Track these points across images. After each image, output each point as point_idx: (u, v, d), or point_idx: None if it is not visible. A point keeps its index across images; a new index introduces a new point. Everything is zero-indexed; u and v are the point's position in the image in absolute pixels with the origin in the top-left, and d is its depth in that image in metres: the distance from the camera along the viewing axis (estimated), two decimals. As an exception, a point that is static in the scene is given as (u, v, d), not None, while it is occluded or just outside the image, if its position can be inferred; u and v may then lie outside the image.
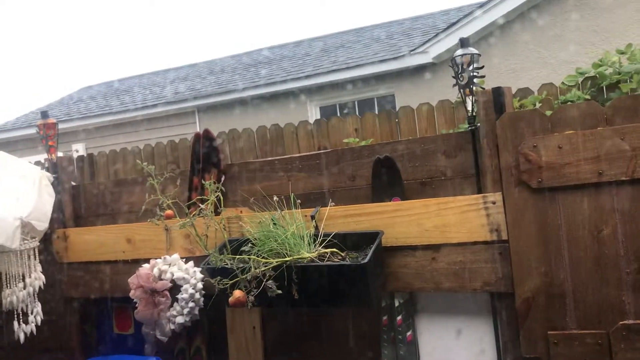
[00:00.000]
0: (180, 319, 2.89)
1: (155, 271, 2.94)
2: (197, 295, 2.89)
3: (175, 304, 2.92)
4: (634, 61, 2.80)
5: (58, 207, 3.44)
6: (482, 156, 2.58)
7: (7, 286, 2.95)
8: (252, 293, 2.44)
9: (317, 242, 2.55)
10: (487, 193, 2.52)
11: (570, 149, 2.32)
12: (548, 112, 2.48)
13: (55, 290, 3.49)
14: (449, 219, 2.56)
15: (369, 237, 2.58)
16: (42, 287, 3.13)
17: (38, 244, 3.16)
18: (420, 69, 8.30)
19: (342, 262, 2.46)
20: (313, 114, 9.09)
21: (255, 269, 2.44)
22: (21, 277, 3.00)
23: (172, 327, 2.92)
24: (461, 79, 2.66)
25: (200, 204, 2.87)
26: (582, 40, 7.38)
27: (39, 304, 3.10)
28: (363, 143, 3.40)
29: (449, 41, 7.93)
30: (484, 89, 2.64)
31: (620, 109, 2.34)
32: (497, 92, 2.53)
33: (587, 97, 2.87)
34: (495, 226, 2.49)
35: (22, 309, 3.00)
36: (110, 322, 3.59)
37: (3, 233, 2.73)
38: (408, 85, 8.39)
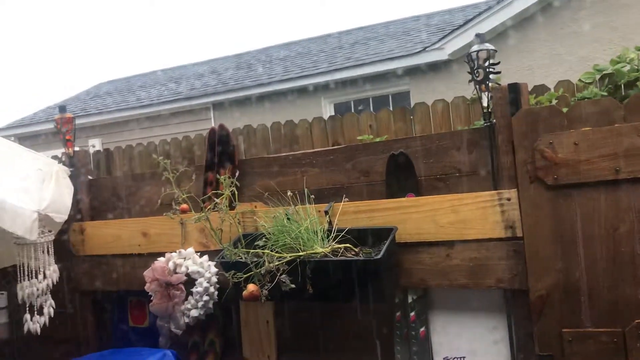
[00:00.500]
0: (194, 313, 2.92)
1: (171, 265, 2.96)
2: (212, 289, 2.92)
3: (189, 297, 2.94)
4: (652, 58, 2.77)
5: (75, 200, 3.47)
6: (497, 153, 2.56)
7: (24, 279, 2.99)
8: (266, 287, 2.45)
9: (330, 237, 2.56)
10: (502, 190, 2.51)
11: (587, 146, 2.30)
12: (565, 109, 2.46)
13: (71, 283, 3.53)
14: (464, 216, 2.55)
15: (383, 233, 2.58)
16: (57, 280, 3.17)
17: (54, 237, 3.20)
18: (435, 66, 8.26)
19: (356, 257, 2.46)
20: (327, 110, 9.09)
21: (269, 263, 2.45)
22: (38, 270, 3.04)
23: (187, 320, 2.95)
24: (477, 74, 2.65)
25: (215, 199, 2.88)
26: (600, 37, 7.30)
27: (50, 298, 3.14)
28: (377, 139, 3.40)
29: (465, 38, 7.89)
30: (499, 85, 2.62)
31: (638, 106, 2.32)
32: (513, 89, 2.51)
33: (605, 94, 2.85)
34: (510, 223, 2.47)
35: (36, 302, 3.04)
36: (125, 315, 3.62)
37: (22, 225, 2.76)
38: (423, 82, 8.36)
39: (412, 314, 2.75)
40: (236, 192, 2.92)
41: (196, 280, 2.93)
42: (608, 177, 2.28)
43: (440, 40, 8.30)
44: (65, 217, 3.23)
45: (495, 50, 2.66)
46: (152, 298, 3.01)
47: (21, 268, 2.98)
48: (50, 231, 3.14)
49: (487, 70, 2.62)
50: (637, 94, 2.51)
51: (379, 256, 2.38)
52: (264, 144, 3.85)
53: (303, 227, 2.54)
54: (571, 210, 2.35)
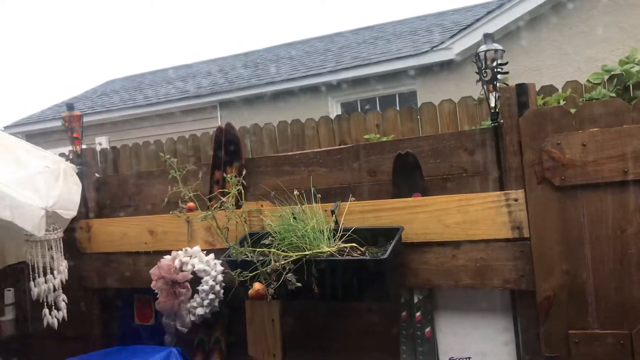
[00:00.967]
0: (200, 311, 2.92)
1: (177, 263, 2.97)
2: (217, 287, 2.92)
3: (195, 295, 2.95)
4: (661, 59, 2.75)
5: (82, 198, 3.48)
6: (504, 153, 2.55)
7: (38, 275, 3.01)
8: (272, 286, 2.45)
9: (336, 236, 2.56)
10: (510, 190, 2.50)
11: (595, 147, 2.29)
12: (573, 110, 2.45)
13: (77, 280, 3.55)
14: (471, 216, 2.54)
15: (389, 233, 2.58)
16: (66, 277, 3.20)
17: (62, 234, 3.22)
18: (442, 66, 8.24)
19: (362, 257, 2.46)
20: (334, 109, 9.09)
21: (275, 262, 2.45)
22: (51, 267, 3.06)
23: (192, 318, 2.96)
24: (485, 74, 2.64)
25: (221, 197, 2.89)
26: (609, 37, 7.26)
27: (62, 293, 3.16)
28: (384, 139, 3.40)
29: (473, 37, 7.87)
30: (507, 85, 2.62)
31: (647, 107, 2.30)
32: (521, 89, 2.50)
33: (613, 94, 2.83)
34: (517, 224, 2.47)
35: (50, 298, 3.06)
36: (131, 313, 3.63)
37: (30, 221, 2.78)
38: (430, 82, 8.34)
39: (418, 313, 2.74)
40: (243, 191, 2.92)
41: (202, 278, 2.93)
42: (616, 178, 2.26)
43: (447, 39, 8.28)
44: (74, 213, 3.25)
45: (504, 51, 2.65)
46: (158, 296, 3.02)
47: (34, 265, 3.00)
48: (57, 229, 3.16)
49: (495, 70, 2.61)
50: (646, 94, 2.50)
51: (385, 256, 2.38)
52: (270, 142, 3.86)
53: (309, 226, 2.55)
54: (578, 211, 2.34)
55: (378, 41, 10.46)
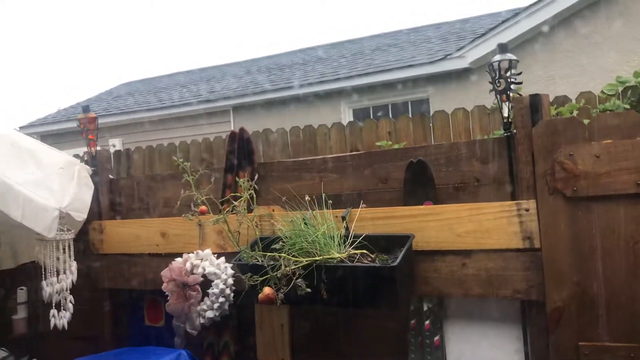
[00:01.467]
0: (210, 314, 2.94)
1: (188, 265, 2.99)
2: (228, 291, 2.94)
3: (205, 298, 2.97)
4: (676, 71, 2.74)
5: (95, 199, 3.52)
6: (516, 163, 2.55)
7: (50, 275, 3.04)
8: (282, 291, 2.47)
9: (347, 243, 2.57)
10: (521, 200, 2.50)
11: (608, 159, 2.29)
12: (586, 121, 2.45)
13: (89, 281, 3.58)
14: (482, 225, 2.54)
15: (400, 240, 2.58)
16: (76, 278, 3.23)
17: (74, 236, 3.25)
18: (456, 74, 8.24)
19: (372, 264, 2.47)
20: (346, 116, 9.11)
21: (286, 267, 2.46)
22: (61, 268, 3.09)
23: (202, 321, 2.97)
24: (498, 84, 2.64)
25: (233, 201, 2.91)
26: (623, 48, 7.22)
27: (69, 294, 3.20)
28: (396, 146, 3.41)
29: (486, 46, 7.86)
30: (521, 95, 2.62)
31: (661, 120, 2.30)
32: (535, 99, 2.50)
33: (627, 106, 2.83)
34: (528, 234, 2.46)
35: (58, 299, 3.09)
36: (141, 314, 3.66)
37: (41, 222, 2.81)
38: (443, 90, 8.34)
39: (427, 322, 2.74)
40: (254, 195, 2.94)
41: (212, 281, 2.95)
42: (629, 190, 2.26)
43: (461, 48, 8.28)
44: (85, 216, 3.28)
45: (517, 61, 2.65)
46: (168, 298, 3.04)
47: (45, 265, 3.03)
48: (69, 230, 3.20)
49: (509, 80, 2.62)
50: (660, 107, 2.49)
51: (395, 263, 2.38)
52: (282, 147, 3.87)
53: (320, 232, 2.56)
54: (590, 222, 2.34)
55: (391, 48, 10.48)
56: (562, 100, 3.20)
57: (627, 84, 2.90)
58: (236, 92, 10.39)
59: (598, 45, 7.44)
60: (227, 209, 2.94)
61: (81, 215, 3.22)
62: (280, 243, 2.61)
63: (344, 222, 2.71)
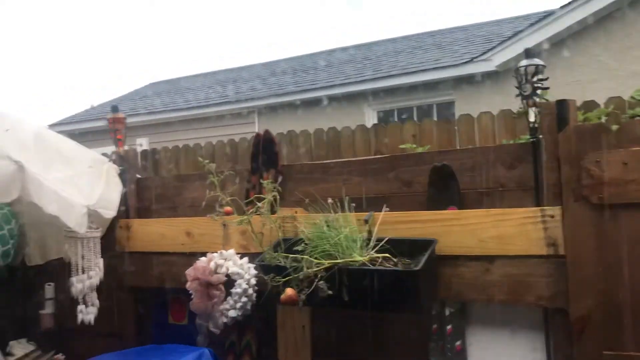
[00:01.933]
0: (232, 313, 2.97)
1: (212, 265, 3.02)
2: (250, 291, 2.96)
3: (228, 298, 2.99)
4: None
5: (123, 198, 3.59)
6: (542, 169, 2.53)
7: (79, 272, 3.11)
8: (304, 292, 2.48)
9: (369, 246, 2.57)
10: (546, 206, 2.48)
11: (636, 166, 2.25)
12: (614, 127, 2.41)
13: (114, 278, 3.64)
14: (506, 231, 2.52)
15: (423, 245, 2.57)
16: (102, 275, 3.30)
17: (101, 234, 3.31)
18: (482, 77, 8.18)
19: (394, 268, 2.47)
20: (370, 118, 9.10)
21: (308, 268, 2.48)
22: (88, 265, 3.16)
23: (225, 320, 3.00)
24: (525, 89, 2.62)
25: (257, 202, 2.94)
26: (654, 52, 7.10)
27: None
28: (420, 150, 3.40)
29: (513, 50, 7.79)
30: (547, 100, 2.59)
31: (691, 127, 2.26)
32: (561, 105, 2.48)
33: (657, 112, 2.78)
34: (552, 240, 2.44)
35: (87, 296, 3.16)
36: (165, 312, 3.71)
37: (73, 218, 2.87)
38: (469, 93, 8.28)
39: (449, 327, 2.73)
40: (278, 197, 2.96)
41: (236, 281, 2.98)
42: (656, 198, 2.22)
43: (487, 51, 8.22)
44: (114, 213, 3.34)
45: (544, 66, 2.63)
46: (192, 296, 3.08)
47: (74, 262, 3.10)
48: (97, 228, 3.26)
49: (535, 85, 2.60)
50: (691, 114, 2.45)
51: (417, 267, 2.38)
52: (306, 149, 3.90)
53: (342, 235, 2.56)
54: (617, 230, 2.30)
55: (417, 51, 10.44)
56: (590, 106, 3.16)
57: (657, 90, 2.85)
58: (261, 93, 10.47)
59: (628, 50, 7.32)
60: (252, 210, 2.97)
61: (109, 212, 3.29)
62: (303, 245, 2.62)
63: (367, 225, 2.71)
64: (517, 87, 2.67)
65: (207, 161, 3.14)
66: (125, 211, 3.70)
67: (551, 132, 2.48)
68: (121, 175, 3.59)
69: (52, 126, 11.81)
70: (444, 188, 2.80)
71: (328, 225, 2.65)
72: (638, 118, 2.70)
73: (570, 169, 2.39)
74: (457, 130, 3.55)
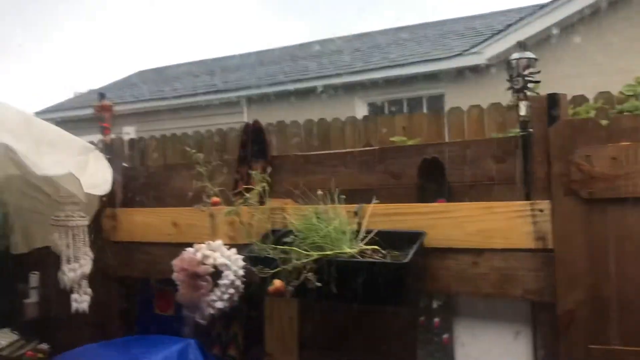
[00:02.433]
0: (219, 304, 2.95)
1: (199, 255, 3.00)
2: (238, 282, 2.94)
3: (215, 289, 2.97)
4: (698, 73, 2.70)
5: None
6: (532, 163, 2.53)
7: (70, 261, 3.06)
8: (292, 284, 2.47)
9: (358, 238, 2.56)
10: (535, 200, 2.48)
11: (625, 161, 2.26)
12: (603, 122, 2.41)
13: (100, 268, 3.60)
14: (494, 224, 2.52)
15: (411, 237, 2.57)
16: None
17: (88, 222, 3.26)
18: (472, 70, 8.19)
19: (383, 260, 2.46)
20: (360, 109, 9.08)
21: (297, 260, 2.47)
22: (78, 254, 3.11)
23: (211, 311, 2.98)
24: (516, 83, 2.61)
25: (246, 193, 2.91)
26: (642, 48, 7.14)
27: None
28: (410, 142, 3.39)
29: (504, 43, 7.81)
30: (538, 94, 2.59)
31: (681, 123, 2.26)
32: (552, 99, 2.47)
33: (646, 108, 2.79)
34: (541, 234, 2.44)
35: (80, 285, 3.12)
36: (151, 303, 3.68)
37: (77, 185, 2.81)
38: (459, 86, 8.29)
39: (436, 319, 2.74)
40: (267, 188, 2.94)
41: (223, 272, 2.95)
42: (646, 194, 2.23)
43: (478, 44, 8.22)
44: (108, 188, 3.28)
45: (536, 59, 2.62)
46: (178, 287, 3.05)
47: (63, 251, 3.05)
48: (83, 217, 3.21)
49: (527, 78, 2.59)
50: (680, 110, 2.46)
51: (406, 260, 2.38)
52: (296, 140, 3.88)
53: (332, 227, 2.55)
54: (605, 225, 2.31)
55: (408, 43, 10.42)
56: (579, 100, 3.17)
57: (646, 85, 2.86)
58: (250, 82, 10.41)
59: (617, 45, 7.35)
60: (240, 201, 2.94)
61: (103, 188, 3.23)
62: (292, 236, 2.61)
63: (356, 217, 2.70)
64: (508, 80, 2.66)
65: (194, 151, 3.11)
66: (111, 200, 3.66)
67: (542, 126, 2.48)
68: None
69: (37, 114, 11.66)
70: (433, 181, 2.79)
71: (317, 217, 2.63)
72: (627, 113, 2.71)
73: (560, 163, 2.39)
74: (447, 123, 3.54)
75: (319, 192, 2.72)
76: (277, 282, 2.51)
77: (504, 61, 2.70)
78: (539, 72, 2.61)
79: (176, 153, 4.35)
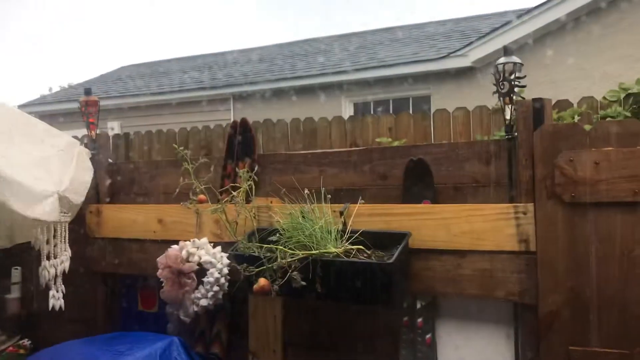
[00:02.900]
0: (204, 302, 2.95)
1: (184, 253, 3.00)
2: (222, 280, 2.94)
3: (200, 286, 2.97)
4: (680, 80, 2.74)
5: (93, 182, 3.51)
6: (516, 166, 2.56)
7: (49, 258, 3.03)
8: (277, 282, 2.48)
9: (344, 238, 2.57)
10: (519, 203, 2.51)
11: (607, 166, 2.30)
12: (587, 127, 2.45)
13: (84, 264, 3.58)
14: (478, 226, 2.55)
15: (396, 238, 2.59)
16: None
17: (70, 219, 3.23)
18: (458, 72, 8.23)
19: (368, 260, 2.48)
20: (347, 109, 9.09)
21: (282, 259, 2.47)
22: (57, 251, 3.09)
23: (196, 309, 2.98)
24: (502, 87, 2.64)
25: (232, 191, 2.91)
26: (626, 54, 7.22)
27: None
28: (396, 143, 3.41)
29: (490, 46, 7.84)
30: (524, 98, 2.62)
31: (662, 129, 2.31)
32: (537, 103, 2.51)
33: (628, 114, 2.83)
34: (524, 237, 2.48)
35: (57, 281, 3.09)
36: (135, 299, 3.67)
37: (40, 209, 2.79)
38: (445, 88, 8.33)
39: (420, 320, 2.76)
40: (254, 186, 2.94)
41: (208, 270, 2.96)
42: (626, 198, 2.27)
43: (464, 47, 8.26)
44: (82, 199, 3.26)
45: (522, 64, 2.65)
46: (163, 284, 3.04)
47: (44, 247, 3.02)
48: (66, 213, 3.18)
49: (513, 83, 2.62)
50: (662, 116, 2.50)
51: (391, 260, 2.39)
52: (282, 139, 3.87)
53: (317, 226, 2.56)
54: (587, 228, 2.35)
55: (395, 43, 10.45)
56: (563, 104, 3.20)
57: (629, 91, 2.90)
58: (237, 80, 10.37)
59: (602, 51, 7.43)
60: (226, 199, 2.94)
61: (79, 198, 3.21)
62: (278, 235, 2.61)
63: (342, 217, 2.72)
64: (494, 84, 2.69)
65: (181, 148, 3.10)
66: (96, 196, 3.63)
67: (526, 130, 2.51)
68: (92, 159, 3.51)
69: (21, 107, 11.52)
70: (419, 182, 2.82)
71: (303, 216, 2.64)
72: (610, 119, 2.75)
73: (544, 167, 2.43)
74: (433, 125, 3.56)
75: (306, 191, 2.73)
76: (262, 281, 2.52)
77: (489, 64, 2.73)
78: (524, 76, 2.64)
79: (162, 149, 4.31)
